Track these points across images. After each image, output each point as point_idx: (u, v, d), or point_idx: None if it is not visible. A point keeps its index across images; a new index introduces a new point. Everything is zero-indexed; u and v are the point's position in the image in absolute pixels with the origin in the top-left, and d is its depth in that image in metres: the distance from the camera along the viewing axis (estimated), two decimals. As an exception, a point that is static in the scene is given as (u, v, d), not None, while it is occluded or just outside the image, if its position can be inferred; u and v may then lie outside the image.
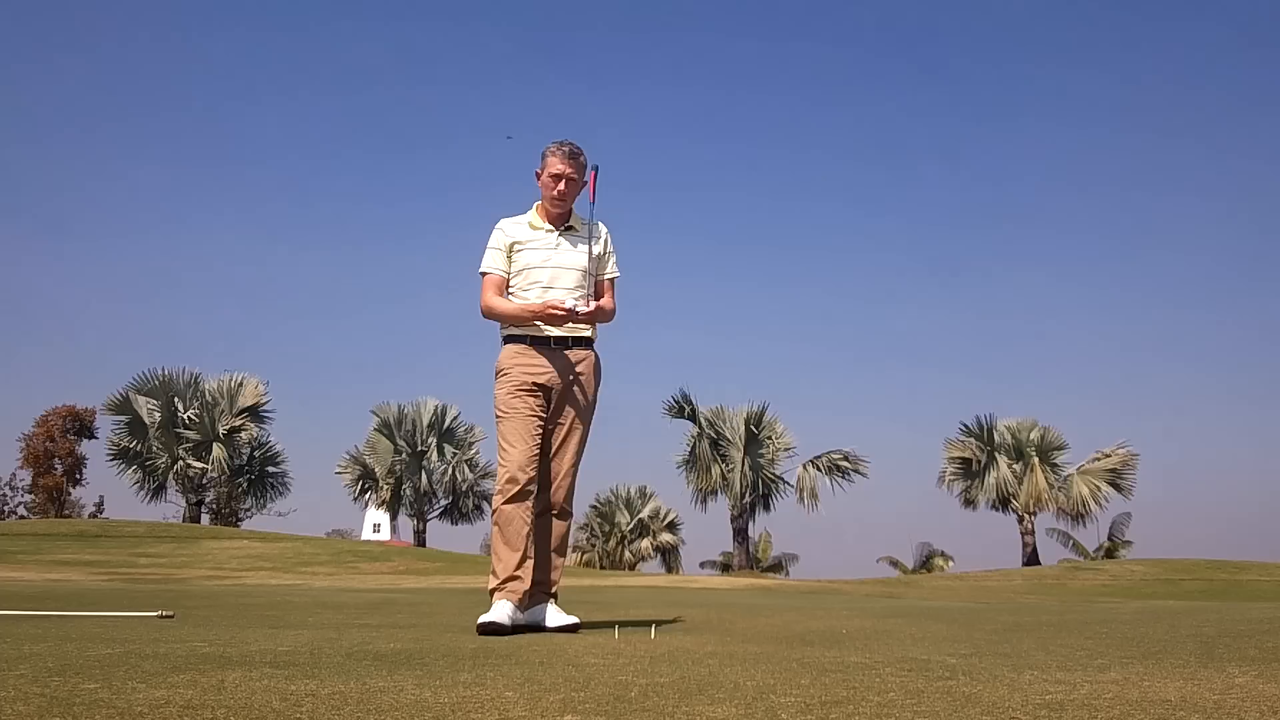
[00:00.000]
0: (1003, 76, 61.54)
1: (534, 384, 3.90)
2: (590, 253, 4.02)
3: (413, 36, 65.12)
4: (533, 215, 4.06)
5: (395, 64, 67.48)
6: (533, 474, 3.84)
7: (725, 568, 32.39)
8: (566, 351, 3.96)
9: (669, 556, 36.72)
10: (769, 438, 28.30)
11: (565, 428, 3.97)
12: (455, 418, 32.58)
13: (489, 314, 4.01)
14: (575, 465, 4.01)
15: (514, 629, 3.65)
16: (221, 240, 64.95)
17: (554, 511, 3.98)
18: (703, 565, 35.67)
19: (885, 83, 63.72)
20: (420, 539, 32.34)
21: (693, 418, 28.39)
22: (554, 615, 3.86)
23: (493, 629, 3.57)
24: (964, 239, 61.97)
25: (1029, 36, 60.15)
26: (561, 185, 3.96)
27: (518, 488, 3.79)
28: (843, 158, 64.04)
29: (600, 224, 4.12)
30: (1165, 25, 57.89)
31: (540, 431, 3.91)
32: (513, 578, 3.76)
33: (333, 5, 65.26)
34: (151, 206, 62.38)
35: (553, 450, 3.97)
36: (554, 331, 3.94)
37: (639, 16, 65.96)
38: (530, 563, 3.82)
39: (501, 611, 3.66)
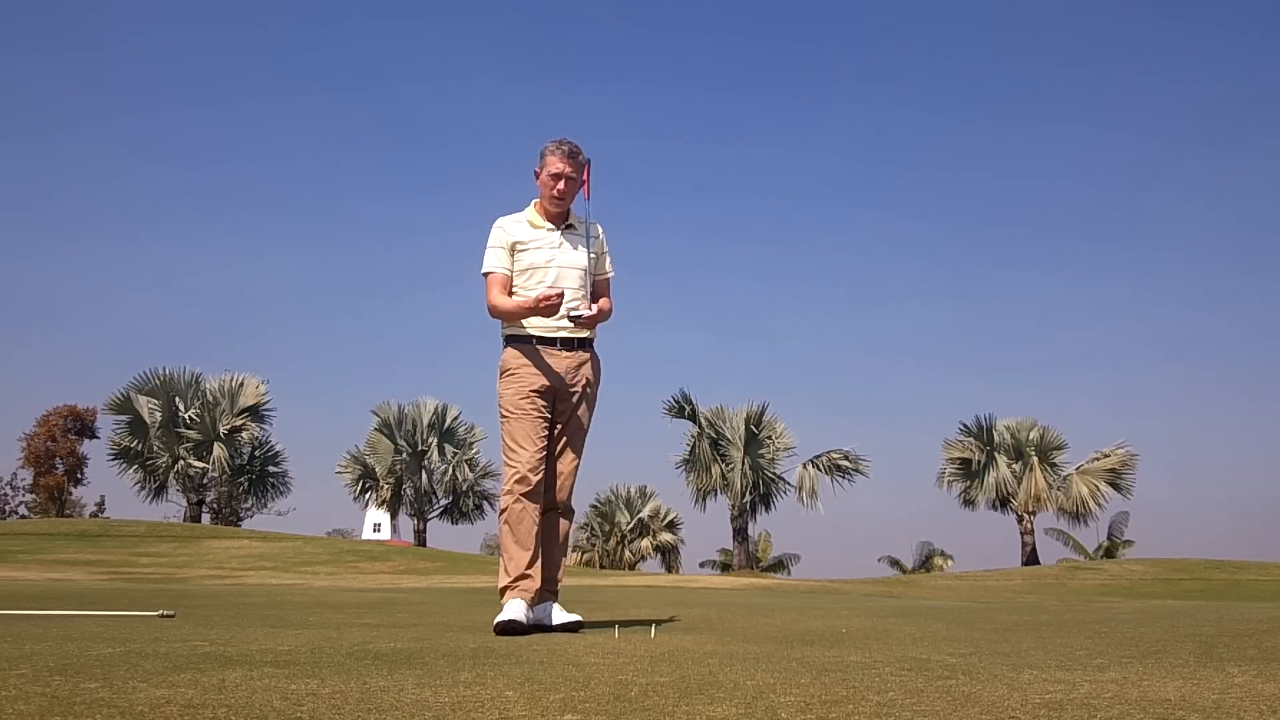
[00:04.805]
0: (1003, 76, 61.62)
1: (540, 386, 3.91)
2: (589, 252, 4.04)
3: (413, 36, 65.15)
4: (531, 214, 4.06)
5: (395, 64, 67.52)
6: (541, 474, 3.87)
7: (725, 567, 32.40)
8: (570, 353, 3.98)
9: (669, 556, 36.72)
10: (769, 437, 28.28)
11: (569, 428, 4.00)
12: (455, 418, 32.57)
13: (495, 313, 4.02)
14: (577, 465, 4.05)
15: (529, 627, 3.66)
16: (222, 240, 65.10)
17: (558, 510, 4.00)
18: (702, 565, 35.73)
19: (885, 83, 63.78)
20: (420, 539, 32.33)
21: (693, 418, 28.37)
22: (558, 613, 3.88)
23: (512, 628, 3.58)
24: (964, 239, 62.13)
25: (1029, 36, 60.17)
26: (561, 184, 3.96)
27: (528, 487, 3.82)
28: (843, 158, 64.15)
29: (596, 223, 4.14)
30: (1165, 25, 57.91)
31: (547, 432, 3.94)
32: (524, 576, 3.79)
33: (332, 5, 65.28)
34: (152, 206, 62.57)
35: (557, 450, 4.00)
36: (558, 333, 3.94)
37: (641, 16, 65.96)
38: (539, 561, 3.84)
39: (517, 610, 3.68)
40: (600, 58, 68.75)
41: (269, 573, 15.03)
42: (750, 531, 29.21)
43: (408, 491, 32.23)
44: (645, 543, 36.34)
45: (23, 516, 44.52)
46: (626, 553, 36.28)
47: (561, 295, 3.83)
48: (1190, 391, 60.96)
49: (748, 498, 27.95)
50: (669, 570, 34.81)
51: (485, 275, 4.01)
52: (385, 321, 69.23)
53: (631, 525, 36.57)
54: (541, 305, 3.82)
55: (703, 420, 28.27)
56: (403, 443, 32.06)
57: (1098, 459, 28.95)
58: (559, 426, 3.99)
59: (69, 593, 6.92)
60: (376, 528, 50.44)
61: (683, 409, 28.46)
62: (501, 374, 3.99)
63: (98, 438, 44.92)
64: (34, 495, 46.50)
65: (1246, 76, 58.01)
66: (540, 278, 3.95)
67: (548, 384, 3.93)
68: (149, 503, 30.71)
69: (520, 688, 2.11)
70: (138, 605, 5.06)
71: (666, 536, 36.61)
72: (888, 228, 63.64)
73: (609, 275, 4.18)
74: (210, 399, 30.80)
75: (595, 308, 3.98)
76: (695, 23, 65.61)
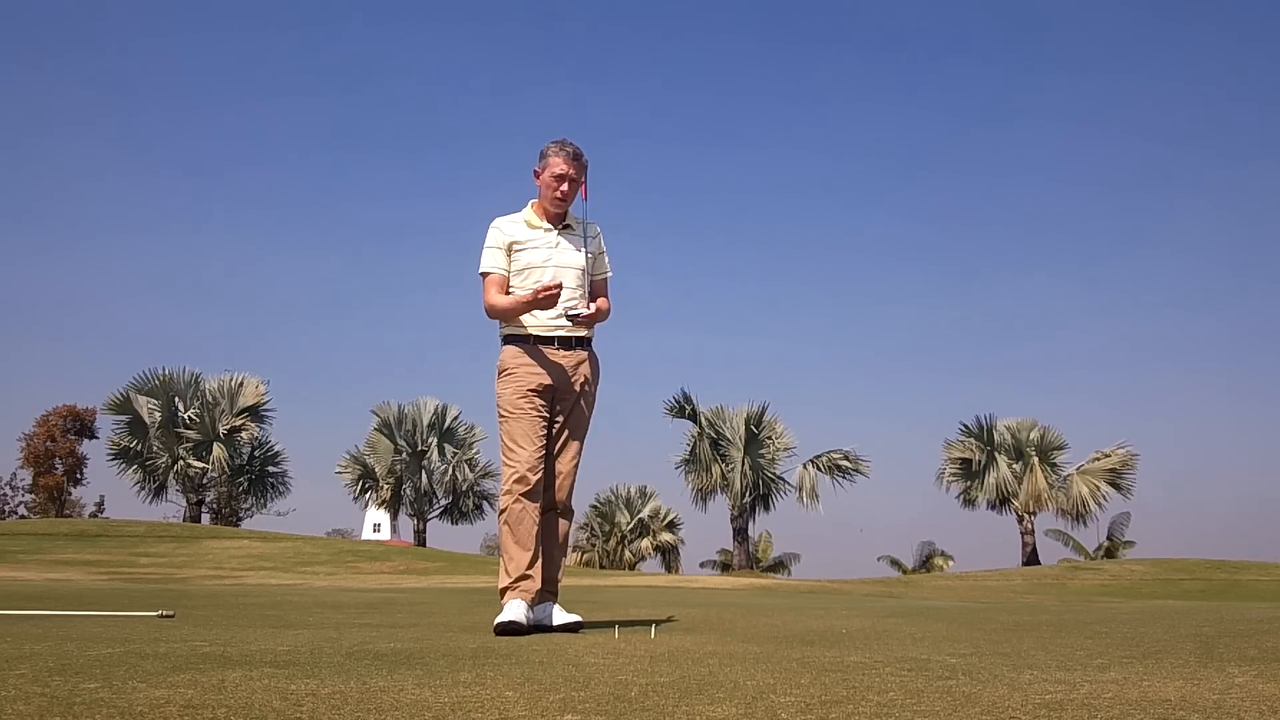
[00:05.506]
0: (1003, 76, 61.65)
1: (539, 385, 3.90)
2: (587, 252, 4.03)
3: (412, 36, 65.19)
4: (529, 214, 4.05)
5: (395, 64, 67.56)
6: (541, 474, 3.86)
7: (725, 567, 32.38)
8: (568, 352, 3.97)
9: (669, 556, 36.72)
10: (769, 438, 28.30)
11: (567, 427, 3.99)
12: (455, 417, 32.58)
13: (492, 312, 4.02)
14: (576, 464, 4.04)
15: (529, 628, 3.66)
16: (222, 240, 65.12)
17: (557, 510, 4.00)
18: (702, 565, 35.71)
19: (885, 83, 63.81)
20: (420, 539, 32.33)
21: (693, 418, 28.38)
22: (559, 614, 3.88)
23: (512, 629, 3.58)
24: (964, 239, 62.14)
25: (1028, 36, 60.20)
26: (564, 186, 3.95)
27: (527, 487, 3.81)
28: (843, 158, 64.17)
29: (594, 224, 4.13)
30: (1164, 25, 57.94)
31: (546, 432, 3.93)
32: (525, 576, 3.78)
33: (332, 5, 65.33)
34: (152, 206, 62.52)
35: (556, 449, 3.99)
36: (556, 332, 3.94)
37: (641, 16, 66.01)
38: (540, 561, 3.84)
39: (517, 610, 3.68)
40: (600, 58, 68.80)
41: (269, 573, 15.03)
42: (750, 531, 29.23)
43: (407, 492, 32.23)
44: (645, 543, 36.34)
45: (22, 516, 44.52)
46: (626, 553, 36.28)
47: (560, 286, 3.83)
48: (1190, 392, 61.05)
49: (748, 498, 27.96)
50: (669, 570, 34.81)
51: (483, 275, 4.00)
52: (385, 321, 69.30)
53: (631, 525, 36.57)
54: (540, 296, 3.81)
55: (703, 420, 28.29)
56: (403, 443, 32.06)
57: (1098, 459, 28.96)
58: (558, 426, 3.98)
59: (68, 593, 6.92)
60: (376, 528, 50.43)
61: (683, 409, 28.48)
62: (500, 373, 3.98)
63: (97, 438, 44.97)
64: (33, 495, 46.51)
65: (1246, 76, 58.05)
66: (537, 278, 3.94)
67: (546, 383, 3.92)
68: (148, 503, 30.78)
69: (520, 688, 2.11)
70: (137, 605, 5.06)
71: (666, 536, 36.61)
72: (888, 227, 63.69)
73: (607, 275, 4.17)
74: (210, 399, 30.81)
75: (593, 307, 3.98)
76: (697, 22, 65.64)
